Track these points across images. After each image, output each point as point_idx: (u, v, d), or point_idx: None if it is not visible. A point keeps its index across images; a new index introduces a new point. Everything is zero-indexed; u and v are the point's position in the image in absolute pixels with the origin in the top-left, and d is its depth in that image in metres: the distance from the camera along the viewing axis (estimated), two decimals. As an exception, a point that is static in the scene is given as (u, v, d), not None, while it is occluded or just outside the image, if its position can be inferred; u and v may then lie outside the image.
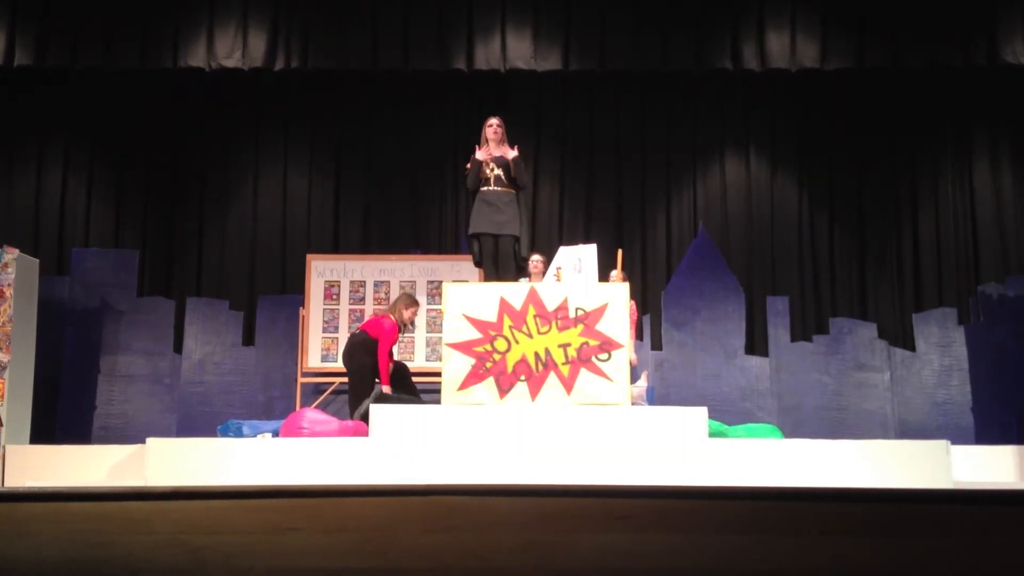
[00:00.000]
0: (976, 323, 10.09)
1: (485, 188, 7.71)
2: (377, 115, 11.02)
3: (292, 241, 10.81)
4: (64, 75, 10.23)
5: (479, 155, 7.78)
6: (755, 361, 10.24)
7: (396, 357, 8.44)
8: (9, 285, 8.72)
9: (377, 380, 7.87)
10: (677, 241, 10.91)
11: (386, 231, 10.88)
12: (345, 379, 10.00)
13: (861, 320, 10.50)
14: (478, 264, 8.08)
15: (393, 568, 2.23)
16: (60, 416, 9.64)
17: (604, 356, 6.93)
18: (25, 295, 8.96)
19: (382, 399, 7.51)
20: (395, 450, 6.40)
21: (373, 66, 9.79)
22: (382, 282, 10.28)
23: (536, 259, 8.23)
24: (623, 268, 8.21)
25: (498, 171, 7.70)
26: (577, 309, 7.03)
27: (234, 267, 10.78)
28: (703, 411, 6.75)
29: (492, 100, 10.36)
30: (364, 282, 10.27)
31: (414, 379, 8.43)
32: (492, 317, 7.03)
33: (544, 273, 8.09)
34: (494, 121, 7.90)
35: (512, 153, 7.80)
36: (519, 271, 7.91)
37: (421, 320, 9.93)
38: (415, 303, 8.20)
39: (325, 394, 10.01)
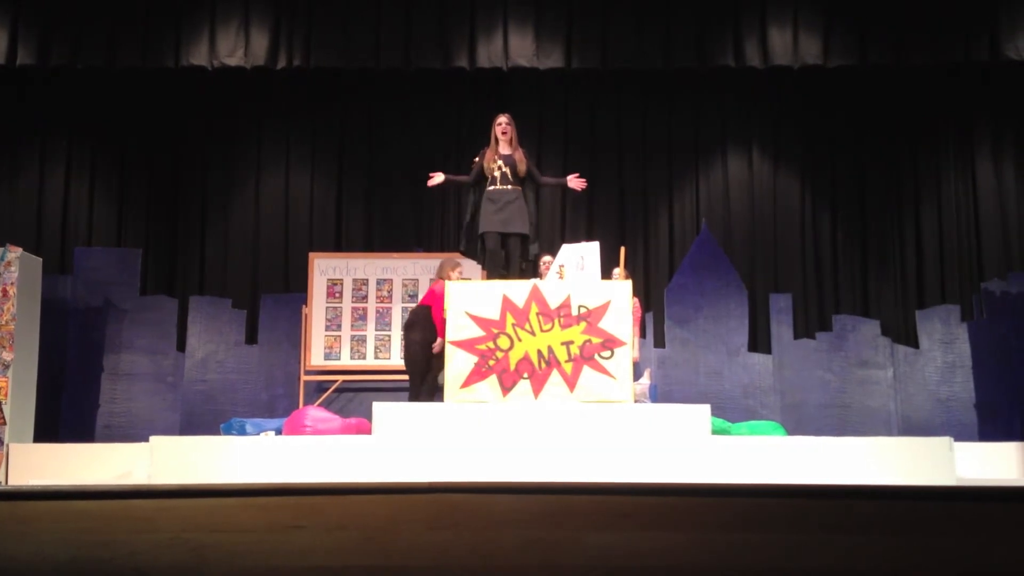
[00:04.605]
0: (979, 320, 10.08)
1: (491, 187, 7.66)
2: (379, 113, 11.03)
3: (294, 239, 10.82)
4: (66, 74, 10.23)
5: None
6: (758, 358, 10.24)
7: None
8: (12, 284, 8.73)
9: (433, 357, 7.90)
10: (680, 238, 10.90)
11: (388, 229, 10.88)
12: (347, 378, 10.09)
13: (864, 317, 10.49)
14: (473, 258, 8.06)
15: (396, 566, 2.23)
16: (64, 414, 9.66)
17: (607, 354, 6.93)
18: (28, 294, 8.97)
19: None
20: (398, 448, 6.40)
21: (375, 64, 9.79)
22: (385, 280, 10.28)
23: (547, 260, 8.22)
24: (626, 266, 8.21)
25: (505, 169, 7.64)
26: (580, 307, 7.02)
27: (237, 265, 10.79)
28: (706, 408, 6.74)
29: (494, 98, 10.36)
30: (367, 280, 10.28)
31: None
32: (495, 315, 7.02)
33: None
34: (503, 120, 7.76)
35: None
36: (524, 271, 7.84)
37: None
38: (458, 264, 8.15)
39: (328, 392, 10.02)
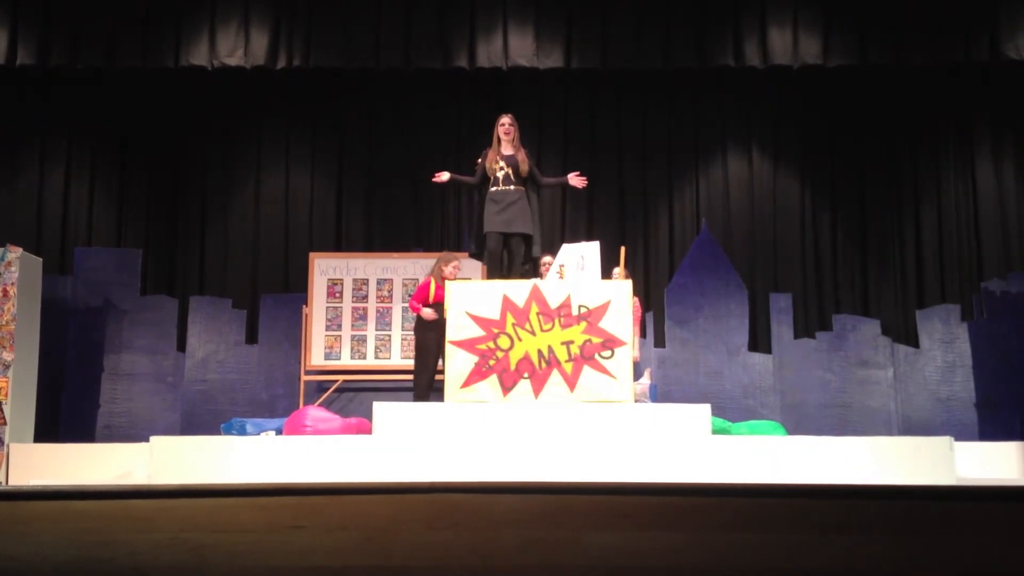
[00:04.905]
0: (979, 319, 10.07)
1: (494, 188, 7.66)
2: (379, 113, 11.02)
3: (295, 239, 10.82)
4: (66, 74, 10.23)
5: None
6: (758, 358, 10.24)
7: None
8: (12, 284, 8.73)
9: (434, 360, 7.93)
10: (680, 238, 10.90)
11: (388, 229, 10.88)
12: (348, 378, 10.08)
13: (864, 317, 10.49)
14: (479, 259, 8.05)
15: (396, 566, 2.23)
16: (64, 414, 9.65)
17: (607, 353, 6.93)
18: (28, 294, 8.97)
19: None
20: (398, 448, 6.40)
21: (375, 64, 9.79)
22: (385, 280, 10.28)
23: (547, 260, 8.24)
24: (626, 265, 8.20)
25: (507, 170, 7.63)
26: (580, 306, 7.02)
27: (237, 265, 10.79)
28: (706, 408, 6.75)
29: (494, 98, 10.36)
30: (367, 280, 10.28)
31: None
32: (495, 315, 7.03)
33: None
34: (506, 120, 7.76)
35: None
36: (527, 272, 7.83)
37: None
38: (454, 257, 8.15)
39: (328, 392, 10.02)
